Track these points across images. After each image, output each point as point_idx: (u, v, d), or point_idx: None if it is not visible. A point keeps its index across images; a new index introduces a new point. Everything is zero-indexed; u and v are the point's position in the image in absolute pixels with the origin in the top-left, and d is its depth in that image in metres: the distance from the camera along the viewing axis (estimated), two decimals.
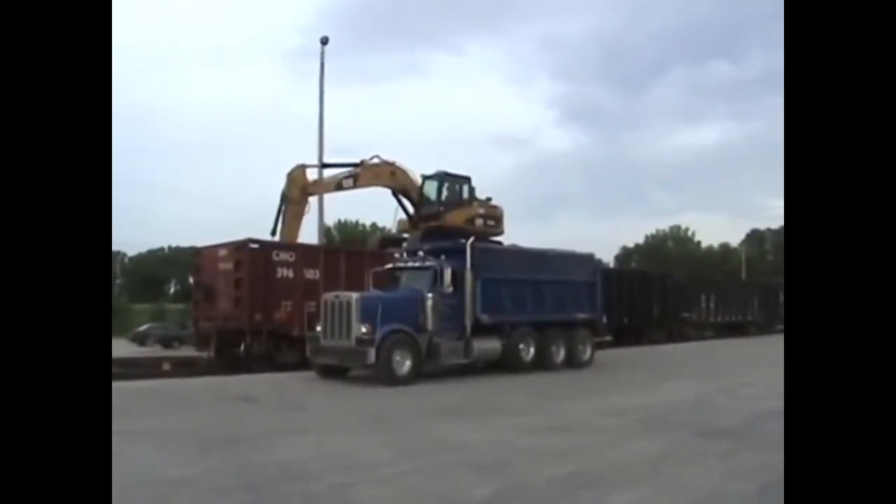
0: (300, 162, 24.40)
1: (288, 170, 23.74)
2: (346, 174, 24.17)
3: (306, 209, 24.23)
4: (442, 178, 22.84)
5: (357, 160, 24.21)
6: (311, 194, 24.62)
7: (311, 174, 24.95)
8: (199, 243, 24.63)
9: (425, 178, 23.23)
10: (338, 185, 24.20)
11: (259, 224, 22.44)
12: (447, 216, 21.96)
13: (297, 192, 23.38)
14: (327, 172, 25.58)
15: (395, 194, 23.87)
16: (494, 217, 23.24)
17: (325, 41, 30.86)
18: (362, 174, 23.74)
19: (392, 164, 23.85)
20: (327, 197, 26.55)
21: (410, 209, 23.76)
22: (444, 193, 22.64)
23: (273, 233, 23.15)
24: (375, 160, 23.88)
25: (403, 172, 23.80)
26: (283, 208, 23.35)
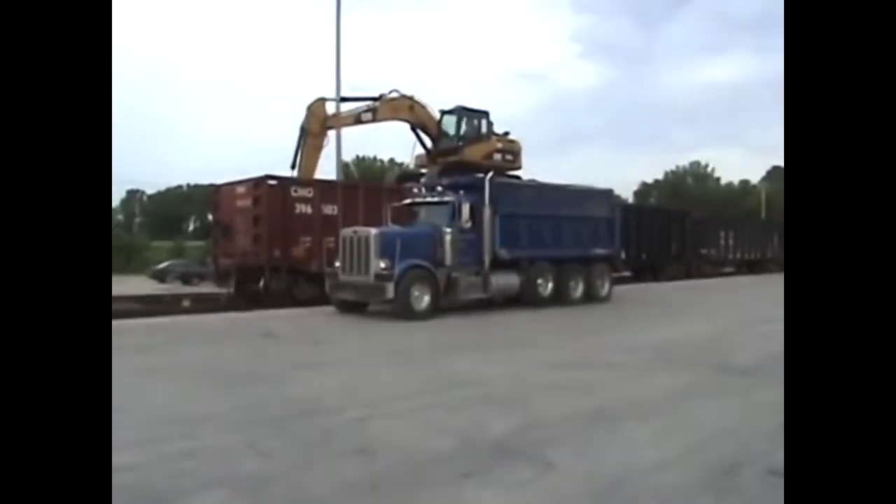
0: (320, 96, 24.29)
1: (308, 103, 23.64)
2: (365, 108, 24.06)
3: (325, 142, 24.17)
4: (460, 112, 22.71)
5: (376, 95, 24.07)
6: (330, 128, 24.52)
7: (331, 108, 24.83)
8: (218, 181, 24.66)
9: (443, 112, 23.10)
10: (357, 119, 24.09)
11: (277, 163, 22.55)
12: (466, 151, 21.88)
13: (316, 125, 23.29)
14: (346, 107, 25.44)
15: (413, 129, 23.77)
16: (512, 151, 23.13)
17: None
18: (381, 108, 23.63)
19: (411, 99, 23.71)
20: (345, 133, 26.46)
21: (429, 144, 23.66)
22: (463, 128, 22.51)
23: (293, 166, 23.14)
24: (394, 94, 23.73)
25: (422, 107, 23.66)
26: (302, 142, 23.29)
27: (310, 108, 23.39)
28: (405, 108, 23.53)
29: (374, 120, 23.85)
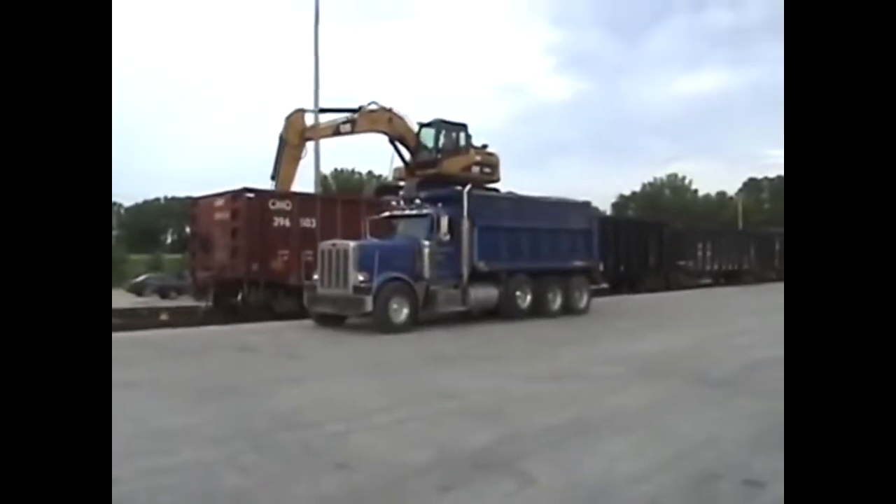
0: (299, 107, 24.26)
1: (286, 114, 23.59)
2: (344, 119, 24.03)
3: (303, 153, 24.12)
4: (439, 125, 22.78)
5: (355, 107, 24.07)
6: (309, 139, 24.47)
7: (310, 119, 24.80)
8: (196, 193, 24.59)
9: (422, 125, 23.15)
10: (335, 131, 24.07)
11: (256, 174, 22.43)
12: (444, 164, 21.94)
13: (294, 136, 23.25)
14: (326, 118, 25.43)
15: (391, 141, 23.78)
16: (490, 164, 23.22)
17: None
18: (360, 120, 23.62)
19: (389, 111, 23.71)
20: (324, 145, 26.44)
21: (407, 156, 23.68)
22: (441, 141, 22.57)
23: (273, 177, 23.06)
24: (373, 106, 23.74)
25: (401, 119, 23.69)
26: (280, 152, 23.22)
27: (288, 118, 23.38)
28: (384, 121, 23.55)
29: (352, 132, 23.86)
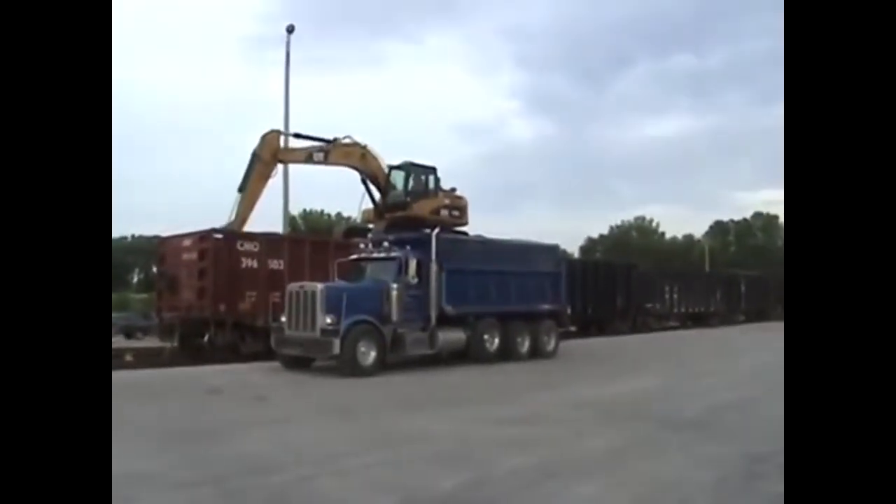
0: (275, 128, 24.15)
1: (263, 133, 23.28)
2: (318, 147, 23.77)
3: (273, 173, 23.71)
4: (409, 168, 22.79)
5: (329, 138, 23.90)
6: (282, 161, 24.14)
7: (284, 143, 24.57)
8: (161, 232, 24.33)
9: (392, 167, 23.12)
10: (308, 157, 23.70)
11: (221, 213, 22.07)
12: (414, 206, 21.93)
13: (267, 154, 22.85)
14: (300, 144, 25.13)
15: (363, 181, 23.65)
16: (459, 207, 23.24)
17: (290, 29, 30.82)
18: (334, 151, 23.36)
19: (364, 147, 23.58)
20: (294, 184, 26.41)
21: (377, 195, 23.56)
22: (411, 184, 22.60)
23: (240, 189, 22.59)
24: (348, 139, 23.61)
25: (374, 157, 23.53)
26: (251, 167, 22.81)
27: (264, 136, 22.94)
28: (357, 156, 23.36)
29: (325, 161, 23.53)
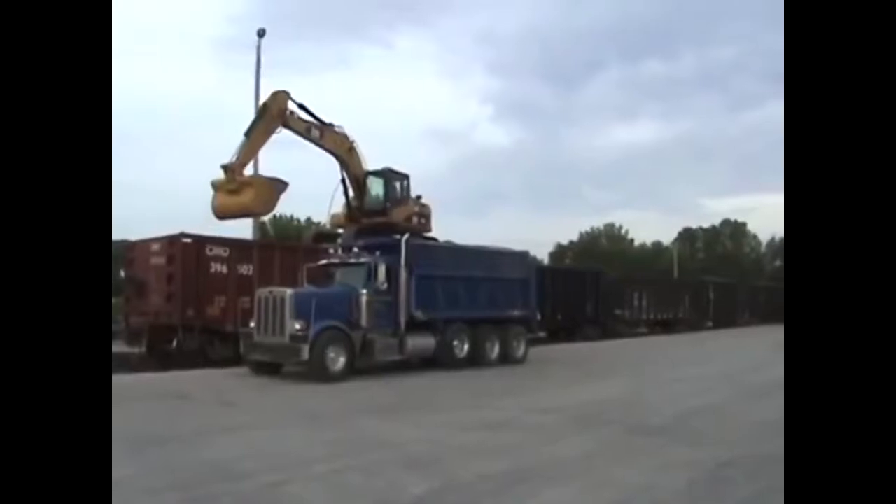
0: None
1: (274, 90, 22.97)
2: (316, 124, 23.56)
3: (277, 130, 23.32)
4: (388, 174, 22.75)
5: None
6: (285, 125, 23.79)
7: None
8: (130, 236, 24.07)
9: (369, 173, 23.04)
10: (307, 130, 23.30)
11: (192, 219, 21.82)
12: (392, 213, 21.91)
13: (275, 109, 22.55)
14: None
15: (343, 181, 23.48)
16: (425, 215, 23.26)
17: (261, 33, 30.49)
18: (328, 134, 23.17)
19: (353, 143, 23.46)
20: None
21: (351, 193, 23.39)
22: (388, 191, 22.57)
23: (247, 133, 22.15)
24: (340, 129, 23.44)
25: (359, 156, 23.44)
26: (258, 119, 22.39)
27: (275, 93, 22.60)
28: (346, 147, 23.18)
29: (319, 141, 23.26)
